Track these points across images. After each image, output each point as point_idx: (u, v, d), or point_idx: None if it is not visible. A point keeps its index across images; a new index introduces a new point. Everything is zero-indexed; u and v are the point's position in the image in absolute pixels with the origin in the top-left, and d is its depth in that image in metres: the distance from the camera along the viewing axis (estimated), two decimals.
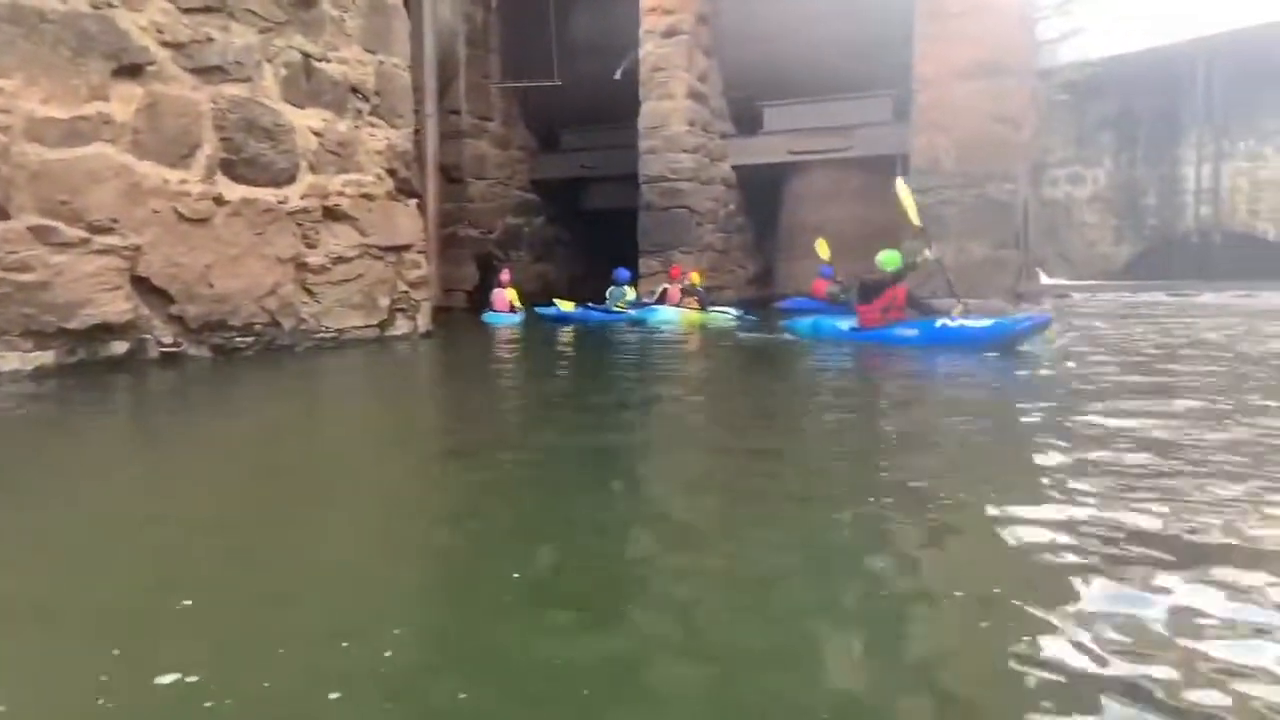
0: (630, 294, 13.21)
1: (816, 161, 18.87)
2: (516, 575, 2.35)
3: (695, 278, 14.08)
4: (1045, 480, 3.29)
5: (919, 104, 15.84)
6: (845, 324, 9.11)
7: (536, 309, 13.83)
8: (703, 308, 13.39)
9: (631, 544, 2.73)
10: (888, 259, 8.91)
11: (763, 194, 20.11)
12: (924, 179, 15.82)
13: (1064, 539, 2.53)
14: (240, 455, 4.29)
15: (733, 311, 13.54)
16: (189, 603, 2.16)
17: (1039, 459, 3.69)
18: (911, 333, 8.33)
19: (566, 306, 13.67)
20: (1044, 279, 25.59)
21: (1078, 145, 31.09)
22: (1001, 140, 15.35)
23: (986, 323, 8.12)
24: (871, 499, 3.05)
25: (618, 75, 18.80)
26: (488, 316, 13.72)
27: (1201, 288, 20.18)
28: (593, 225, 22.72)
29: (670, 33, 17.97)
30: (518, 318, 13.68)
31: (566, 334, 11.79)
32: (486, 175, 20.71)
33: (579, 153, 21.71)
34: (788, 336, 10.06)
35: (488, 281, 15.18)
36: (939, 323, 8.22)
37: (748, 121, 19.45)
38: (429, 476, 3.88)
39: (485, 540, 2.79)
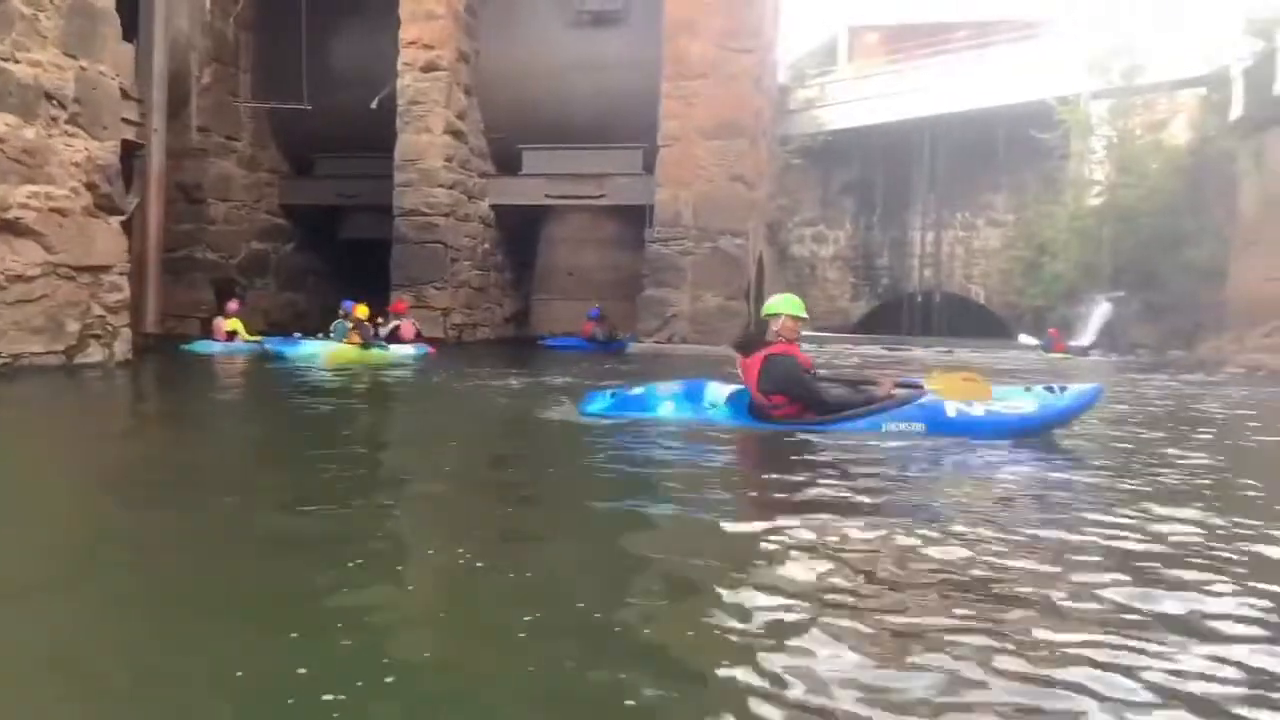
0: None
1: (573, 206, 19.34)
2: None
3: (361, 311, 12.54)
4: None
5: (663, 158, 16.67)
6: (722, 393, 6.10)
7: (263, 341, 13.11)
8: (365, 344, 12.13)
9: None
10: (787, 303, 5.91)
11: (521, 235, 20.34)
12: (667, 230, 16.63)
13: None
14: None
15: (411, 350, 12.71)
16: None
17: None
18: (915, 426, 5.56)
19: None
20: None
21: (822, 207, 33.66)
22: (736, 198, 16.40)
23: (1027, 407, 5.63)
24: None
25: (374, 105, 18.51)
26: (197, 345, 12.93)
27: (915, 343, 22.23)
28: (350, 255, 22.07)
29: (430, 68, 17.93)
30: (241, 348, 13.00)
31: (284, 371, 11.06)
32: (231, 197, 19.72)
33: (336, 180, 21.10)
34: (587, 417, 6.10)
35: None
36: (952, 410, 5.57)
37: (508, 162, 19.67)
38: None
39: None
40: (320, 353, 11.81)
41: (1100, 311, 21.88)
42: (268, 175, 21.07)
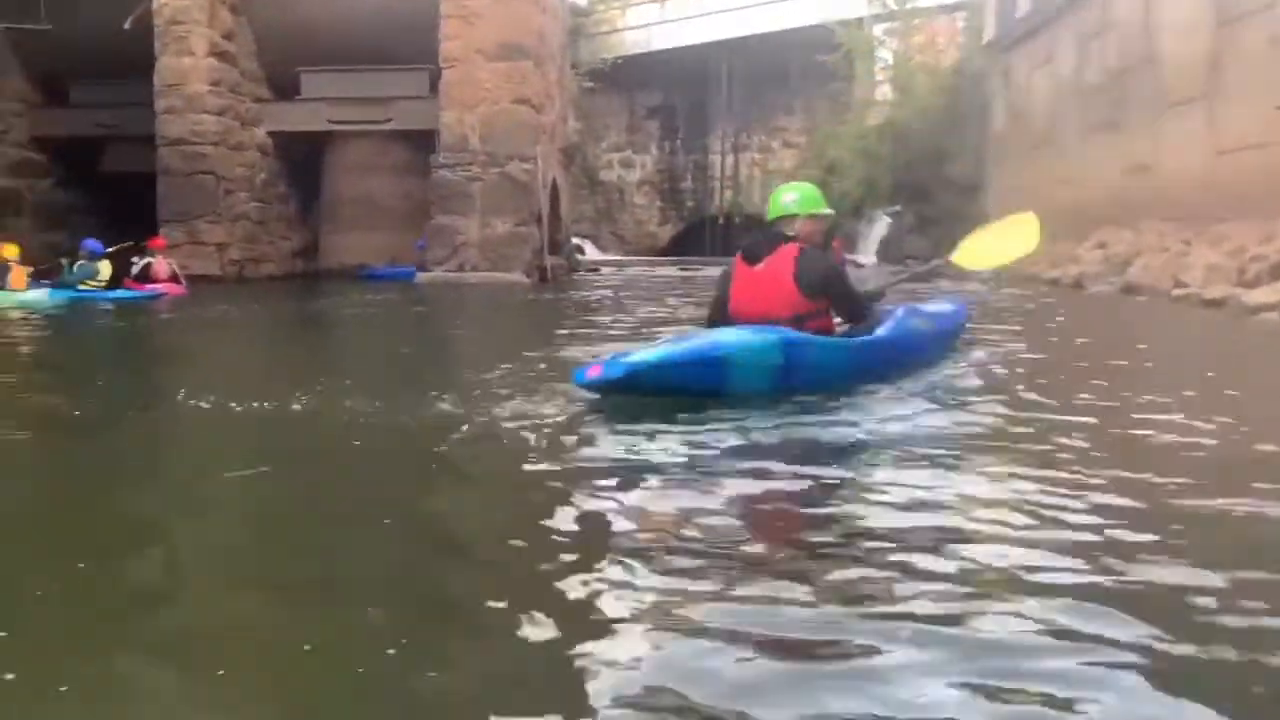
0: (105, 270, 11.85)
1: (358, 132, 18.60)
2: None
3: (10, 250, 10.92)
4: None
5: (446, 81, 16.28)
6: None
7: None
8: None
9: None
10: (804, 199, 4.36)
11: (304, 164, 19.43)
12: (454, 156, 16.34)
13: None
14: None
15: (38, 296, 10.75)
16: None
17: None
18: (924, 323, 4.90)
19: None
20: (596, 254, 27.68)
21: (629, 133, 33.90)
22: (522, 122, 16.24)
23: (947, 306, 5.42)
24: None
25: (128, 25, 17.08)
26: None
27: (710, 263, 22.88)
28: (118, 190, 20.47)
29: None
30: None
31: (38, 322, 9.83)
32: None
33: (94, 109, 19.43)
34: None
35: None
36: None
37: (285, 87, 18.66)
38: None
39: None
40: None
41: (880, 225, 23.19)
42: (16, 105, 19.18)
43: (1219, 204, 10.32)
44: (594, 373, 3.74)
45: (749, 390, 3.80)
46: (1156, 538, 2.18)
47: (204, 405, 4.11)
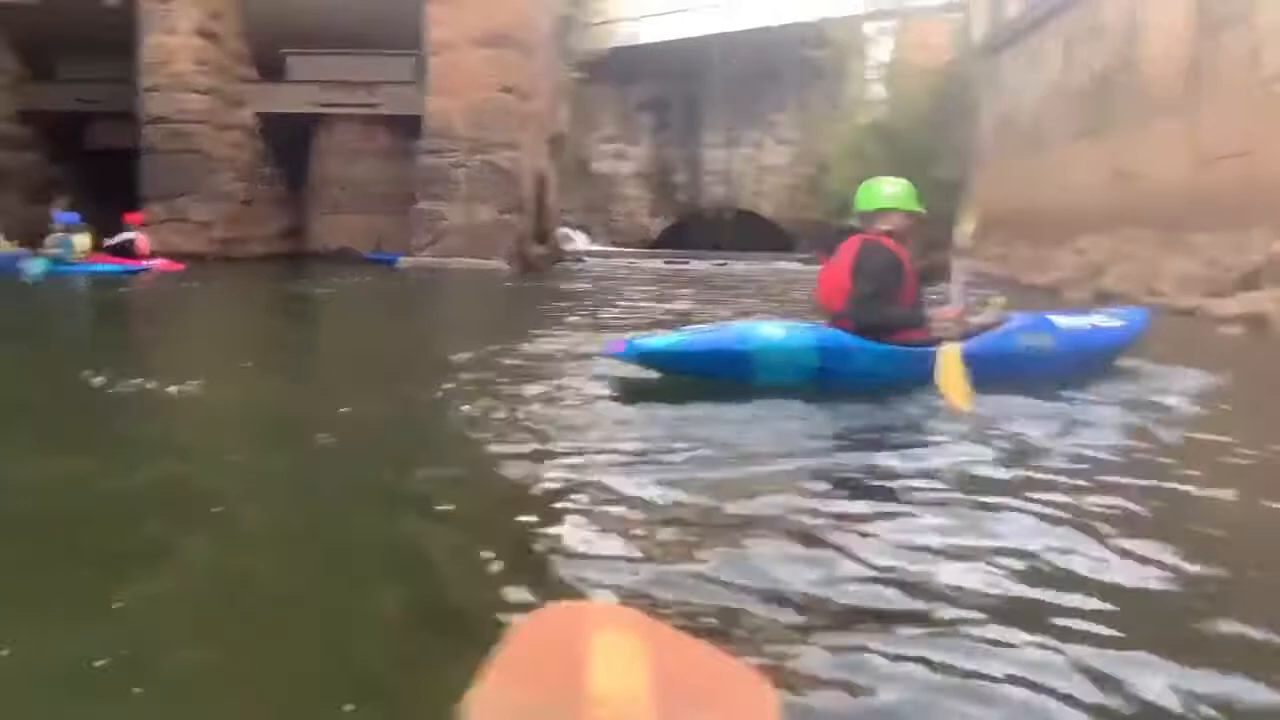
0: (85, 242, 11.77)
1: (344, 116, 18.55)
2: None
3: None
4: None
5: (433, 67, 16.25)
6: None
7: None
8: None
9: None
10: (892, 194, 4.27)
11: (291, 146, 19.35)
12: (438, 142, 16.30)
13: None
14: None
15: None
16: None
17: None
18: (1044, 339, 4.33)
19: None
20: (585, 244, 27.64)
21: (621, 124, 33.83)
22: (508, 110, 16.20)
23: (1116, 323, 4.86)
24: None
25: (114, 2, 17.00)
26: None
27: (694, 257, 22.88)
28: (102, 166, 20.39)
29: None
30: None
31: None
32: None
33: (79, 84, 19.37)
34: None
35: None
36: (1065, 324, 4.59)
37: (272, 68, 18.58)
38: None
39: None
40: None
41: None
42: (2, 79, 19.05)
43: (1197, 213, 10.32)
44: (616, 348, 4.07)
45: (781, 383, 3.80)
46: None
47: (189, 386, 4.02)
